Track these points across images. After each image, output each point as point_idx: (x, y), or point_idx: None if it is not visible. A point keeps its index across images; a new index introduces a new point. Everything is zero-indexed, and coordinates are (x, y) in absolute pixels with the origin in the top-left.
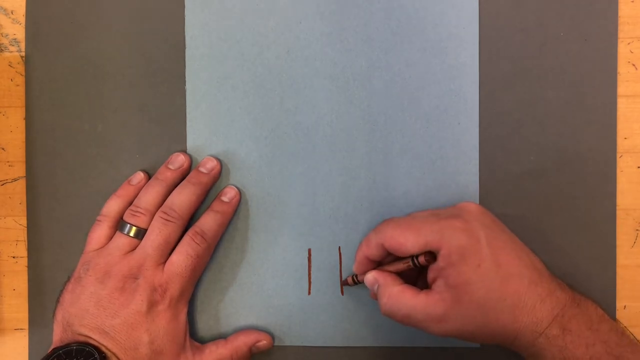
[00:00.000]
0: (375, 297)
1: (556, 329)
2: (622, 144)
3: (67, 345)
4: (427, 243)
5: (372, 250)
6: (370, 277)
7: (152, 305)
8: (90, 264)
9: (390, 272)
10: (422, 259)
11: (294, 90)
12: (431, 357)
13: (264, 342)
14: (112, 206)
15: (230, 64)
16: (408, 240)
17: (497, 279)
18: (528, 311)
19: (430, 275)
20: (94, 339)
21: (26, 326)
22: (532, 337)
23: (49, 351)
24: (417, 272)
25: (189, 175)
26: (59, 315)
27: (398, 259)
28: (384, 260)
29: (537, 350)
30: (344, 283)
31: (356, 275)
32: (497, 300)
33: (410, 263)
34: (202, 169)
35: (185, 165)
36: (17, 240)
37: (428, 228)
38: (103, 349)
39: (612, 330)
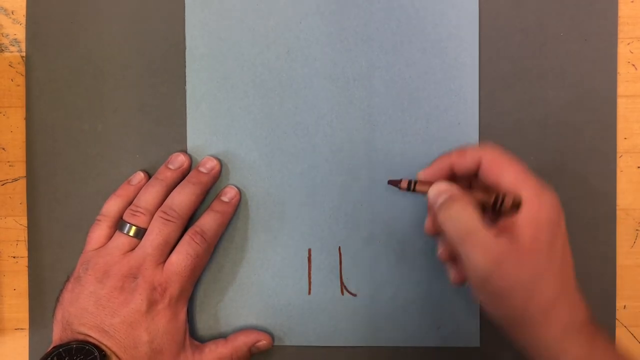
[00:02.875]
0: (432, 210)
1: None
2: (622, 144)
3: (68, 343)
4: (527, 185)
5: (464, 160)
6: (443, 186)
7: (151, 304)
8: (89, 264)
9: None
10: (508, 202)
11: (294, 90)
12: (431, 357)
13: (263, 342)
14: (112, 206)
15: (230, 64)
16: (510, 171)
17: (559, 265)
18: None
19: (504, 219)
20: (93, 338)
21: (26, 326)
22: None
23: (48, 349)
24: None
25: (188, 175)
26: (59, 315)
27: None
28: (461, 182)
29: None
30: (393, 183)
31: (416, 182)
32: (547, 280)
33: (493, 199)
34: (202, 169)
35: (185, 165)
36: (17, 240)
37: (533, 177)
38: (103, 347)
39: None
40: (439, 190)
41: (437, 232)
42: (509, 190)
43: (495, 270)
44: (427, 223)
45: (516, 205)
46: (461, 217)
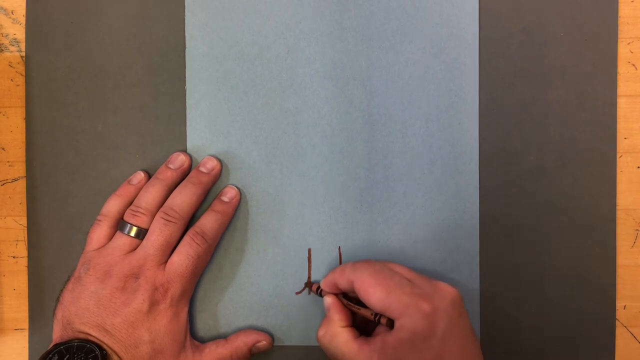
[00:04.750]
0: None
1: None
2: (622, 144)
3: (68, 341)
4: (390, 308)
5: (342, 280)
6: (327, 302)
7: (153, 304)
8: (90, 264)
9: (347, 306)
10: (383, 321)
11: (294, 90)
12: None
13: (263, 343)
14: (112, 206)
15: (230, 64)
16: (375, 295)
17: None
18: None
19: (379, 328)
20: (94, 337)
21: (26, 326)
22: None
23: (49, 347)
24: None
25: (189, 175)
26: (59, 314)
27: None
28: (349, 292)
29: None
30: (308, 285)
31: (320, 289)
32: None
33: (372, 317)
34: (203, 169)
35: (186, 165)
36: (17, 240)
37: (397, 295)
38: (104, 346)
39: None
40: (326, 305)
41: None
42: (381, 309)
43: None
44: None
45: (391, 324)
46: (333, 342)
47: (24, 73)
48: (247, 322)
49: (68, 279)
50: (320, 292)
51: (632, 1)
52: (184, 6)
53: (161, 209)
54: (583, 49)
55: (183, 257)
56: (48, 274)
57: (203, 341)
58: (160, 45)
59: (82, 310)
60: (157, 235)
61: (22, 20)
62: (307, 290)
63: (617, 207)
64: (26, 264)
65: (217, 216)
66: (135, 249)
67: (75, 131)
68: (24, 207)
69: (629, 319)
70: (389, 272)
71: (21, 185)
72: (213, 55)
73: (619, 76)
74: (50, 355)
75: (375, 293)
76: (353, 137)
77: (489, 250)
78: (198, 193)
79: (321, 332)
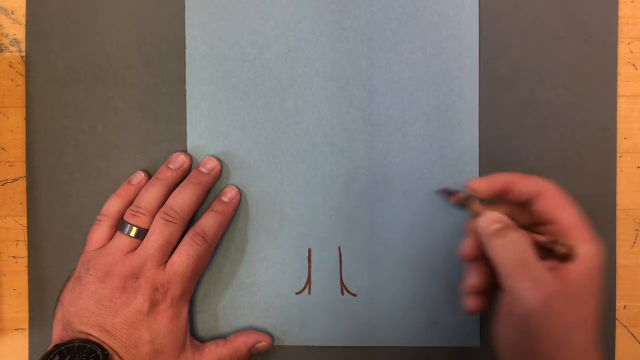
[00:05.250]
0: (474, 234)
1: None
2: (622, 144)
3: (69, 342)
4: (582, 233)
5: (526, 184)
6: (499, 215)
7: (153, 304)
8: (90, 264)
9: (524, 226)
10: (561, 249)
11: (294, 90)
12: (431, 358)
13: (263, 344)
14: (112, 206)
15: (230, 64)
16: (570, 213)
17: (593, 319)
18: None
19: (552, 260)
20: (94, 337)
21: (26, 326)
22: None
23: (49, 348)
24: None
25: (189, 175)
26: (59, 314)
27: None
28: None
29: None
30: (445, 194)
31: (470, 198)
32: (583, 330)
33: (547, 243)
34: (203, 169)
35: (186, 165)
36: (17, 240)
37: (587, 226)
38: (104, 346)
39: None
40: (494, 218)
41: (474, 258)
42: (564, 229)
43: (544, 306)
44: (466, 247)
45: (568, 256)
46: (518, 246)
47: (24, 73)
48: (247, 323)
49: (68, 279)
50: (469, 203)
51: (632, 1)
52: (184, 6)
53: (161, 209)
54: (583, 49)
55: (183, 257)
56: (48, 274)
57: (203, 341)
58: (160, 45)
59: (82, 311)
60: (157, 235)
61: (22, 20)
62: (461, 201)
63: (617, 207)
64: (26, 264)
65: (217, 216)
66: (135, 249)
67: (75, 131)
68: (24, 207)
69: (629, 319)
70: None
71: (21, 185)
72: (213, 55)
73: (619, 76)
74: (52, 356)
75: (572, 212)
76: (353, 137)
77: None
78: (198, 193)
79: (504, 230)
